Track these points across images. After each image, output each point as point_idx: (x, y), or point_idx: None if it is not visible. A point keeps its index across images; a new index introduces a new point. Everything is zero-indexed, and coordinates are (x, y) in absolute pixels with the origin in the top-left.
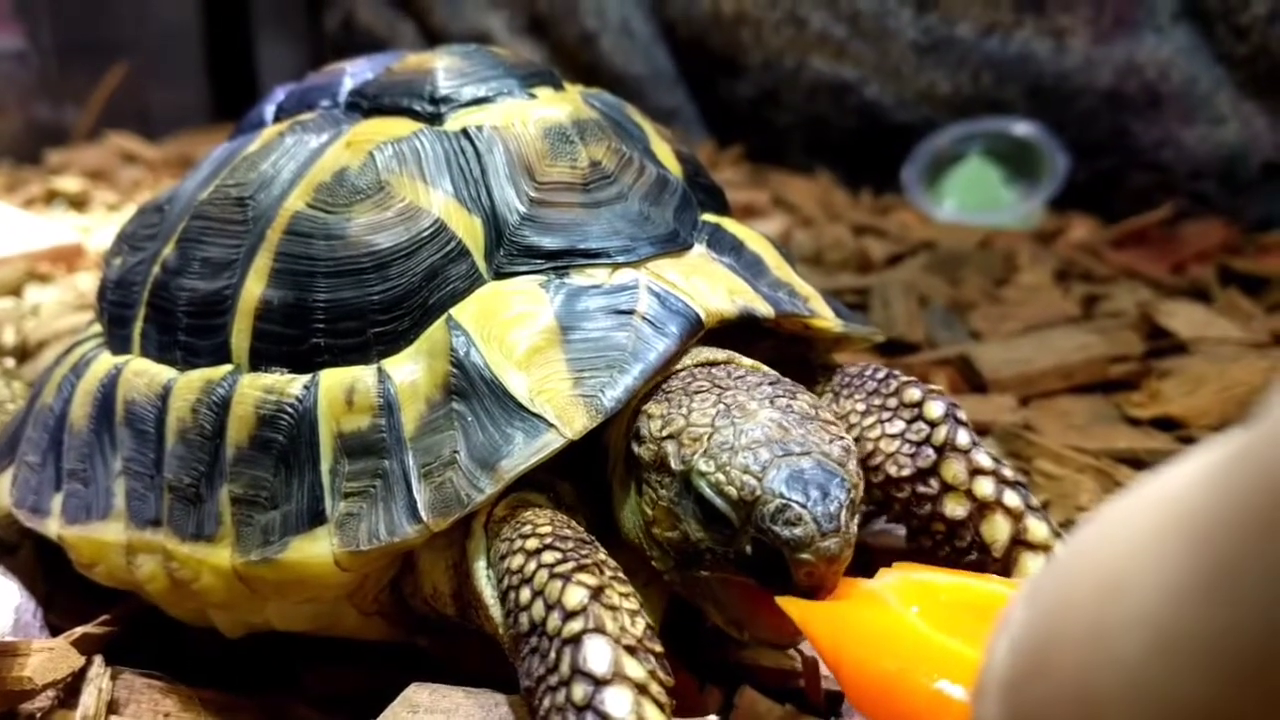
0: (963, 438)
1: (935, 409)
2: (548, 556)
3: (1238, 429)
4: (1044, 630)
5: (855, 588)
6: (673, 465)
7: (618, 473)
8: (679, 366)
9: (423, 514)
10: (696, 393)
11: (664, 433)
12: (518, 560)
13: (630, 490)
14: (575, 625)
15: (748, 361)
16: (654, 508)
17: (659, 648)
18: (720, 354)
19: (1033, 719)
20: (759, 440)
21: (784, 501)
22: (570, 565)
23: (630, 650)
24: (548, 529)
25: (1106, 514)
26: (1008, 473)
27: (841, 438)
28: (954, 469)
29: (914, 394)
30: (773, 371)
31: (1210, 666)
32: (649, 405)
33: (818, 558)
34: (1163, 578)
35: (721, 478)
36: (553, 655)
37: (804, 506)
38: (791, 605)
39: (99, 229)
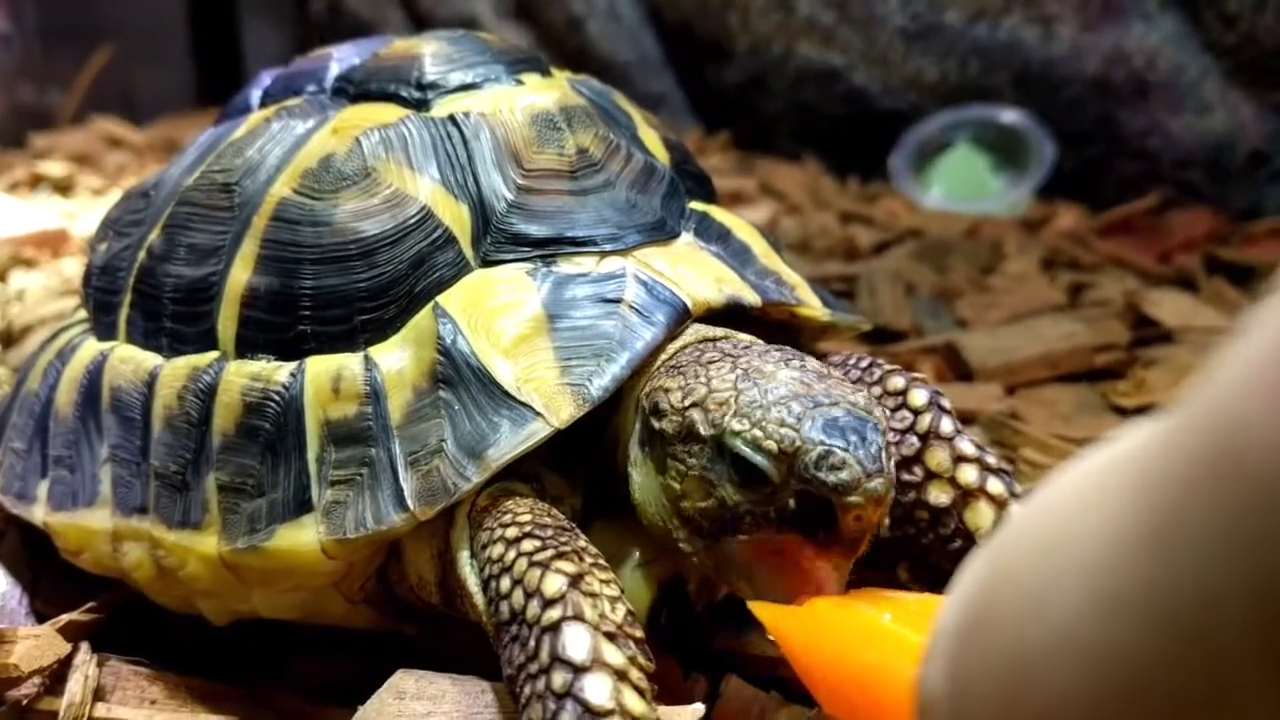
0: (946, 425)
1: (919, 397)
2: (527, 545)
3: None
4: (988, 586)
5: (824, 599)
6: (702, 432)
7: (631, 456)
8: (682, 343)
9: (409, 502)
10: (710, 363)
11: (686, 402)
12: (498, 549)
13: (648, 471)
14: (554, 613)
15: (745, 336)
16: (683, 480)
17: (640, 634)
18: (718, 331)
19: (971, 675)
20: (787, 395)
21: (826, 447)
22: (549, 553)
23: (610, 637)
24: (527, 517)
25: (1058, 476)
26: (991, 460)
27: (860, 389)
28: (938, 456)
29: (898, 382)
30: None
31: (1147, 622)
32: (664, 380)
33: (866, 499)
34: (1103, 531)
35: (759, 434)
36: (533, 643)
37: (846, 450)
38: (762, 610)
39: (84, 214)
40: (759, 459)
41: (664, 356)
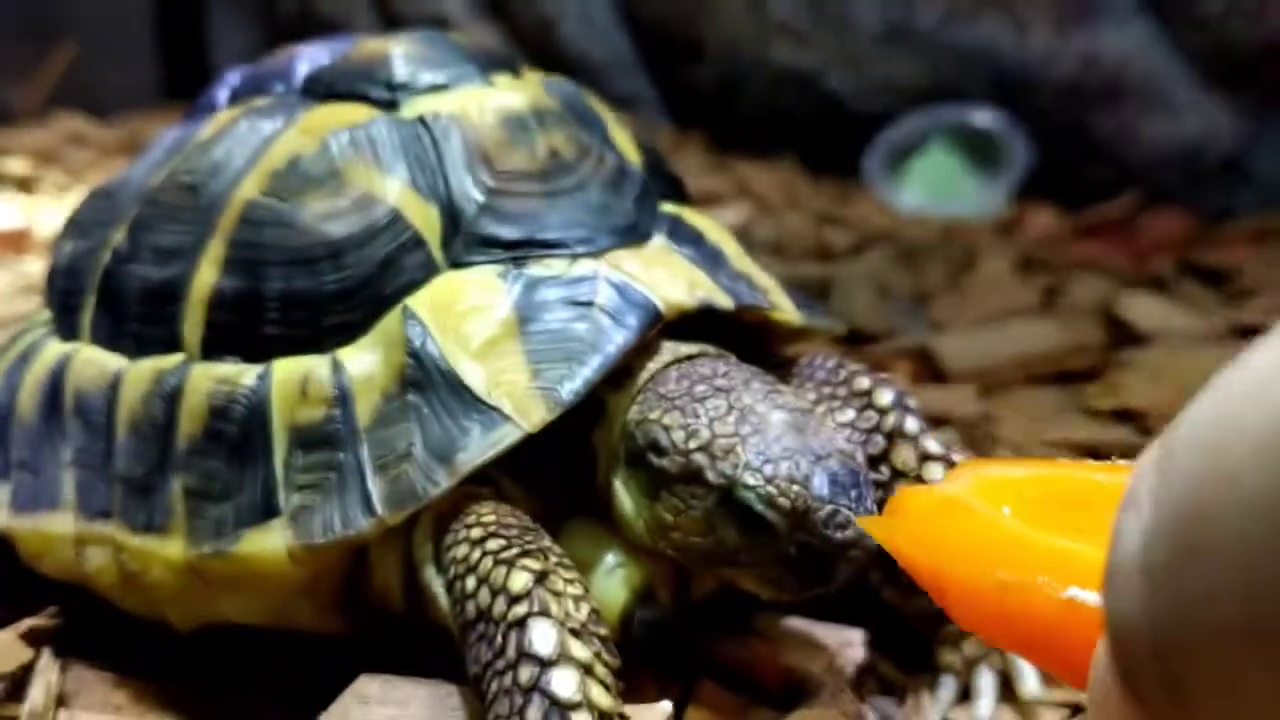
0: (911, 424)
1: (884, 397)
2: (492, 544)
3: None
4: (1190, 499)
5: (931, 495)
6: (710, 479)
7: (618, 474)
8: (663, 362)
9: (377, 507)
10: (703, 398)
11: (690, 445)
12: (463, 550)
13: (634, 491)
14: (520, 609)
15: (716, 351)
16: (679, 515)
17: (604, 632)
18: (693, 347)
19: (1194, 604)
20: (791, 449)
21: (834, 507)
22: (514, 551)
23: (575, 633)
24: (491, 518)
25: (1262, 356)
26: (957, 459)
27: (838, 430)
28: (903, 455)
29: (863, 382)
30: (744, 364)
31: None
32: (657, 412)
33: (864, 552)
34: None
35: (773, 491)
36: (499, 640)
37: (850, 509)
38: (873, 525)
39: (47, 212)
40: (770, 514)
41: (644, 375)
